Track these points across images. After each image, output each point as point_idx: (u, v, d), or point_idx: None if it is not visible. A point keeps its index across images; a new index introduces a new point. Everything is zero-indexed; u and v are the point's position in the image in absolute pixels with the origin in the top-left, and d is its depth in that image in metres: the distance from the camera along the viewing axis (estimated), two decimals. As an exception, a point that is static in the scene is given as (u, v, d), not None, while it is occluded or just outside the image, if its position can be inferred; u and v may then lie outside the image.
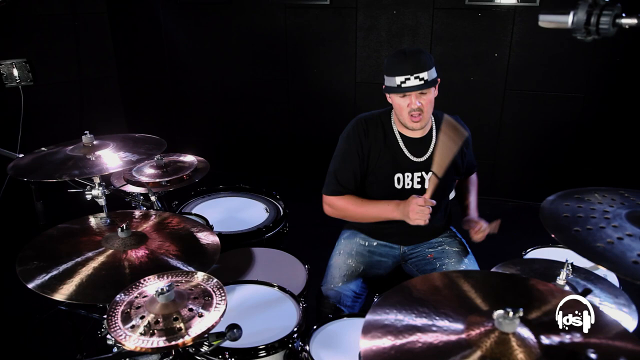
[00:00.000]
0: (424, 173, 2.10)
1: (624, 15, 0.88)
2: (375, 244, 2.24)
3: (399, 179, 2.10)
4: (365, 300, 2.15)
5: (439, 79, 2.01)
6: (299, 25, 4.19)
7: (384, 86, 2.02)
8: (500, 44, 3.76)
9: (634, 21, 0.87)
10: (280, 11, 4.17)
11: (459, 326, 1.00)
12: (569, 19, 0.91)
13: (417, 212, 1.89)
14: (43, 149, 1.95)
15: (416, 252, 2.25)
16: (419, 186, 2.11)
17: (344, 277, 2.10)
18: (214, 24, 4.37)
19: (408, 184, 2.11)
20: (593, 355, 0.94)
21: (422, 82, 1.92)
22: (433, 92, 2.00)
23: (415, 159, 2.10)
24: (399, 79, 1.93)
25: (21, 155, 1.97)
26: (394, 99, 2.01)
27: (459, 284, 1.15)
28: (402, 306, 1.06)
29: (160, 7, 4.45)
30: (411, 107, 1.96)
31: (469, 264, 2.16)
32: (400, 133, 2.11)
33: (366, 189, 2.16)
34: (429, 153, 2.10)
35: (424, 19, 3.85)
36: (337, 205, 2.14)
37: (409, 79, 1.92)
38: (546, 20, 0.97)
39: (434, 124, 2.13)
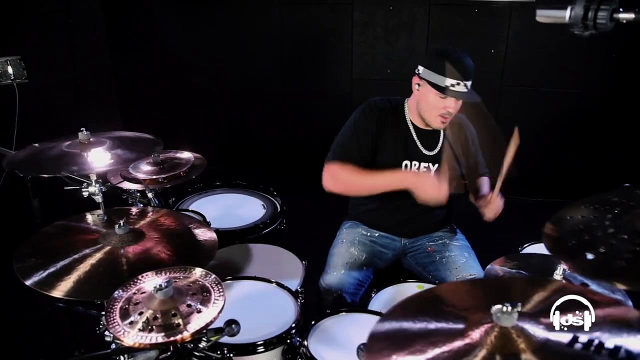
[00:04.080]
0: (430, 164, 2.12)
1: (621, 9, 0.88)
2: (377, 234, 2.26)
3: (406, 165, 2.12)
4: (366, 292, 2.13)
5: None
6: (295, 21, 4.18)
7: (421, 78, 1.97)
8: (497, 40, 3.76)
9: (631, 16, 0.87)
10: (276, 8, 4.16)
11: (460, 326, 1.00)
12: (566, 14, 0.92)
13: (433, 188, 1.86)
14: (35, 144, 1.92)
15: (417, 245, 2.27)
16: None
17: (346, 265, 2.10)
18: (210, 20, 4.35)
19: None
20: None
21: (467, 90, 1.91)
22: None
23: (425, 152, 2.12)
24: (449, 81, 1.88)
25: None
26: (428, 95, 1.96)
27: (455, 292, 1.15)
28: (404, 318, 1.05)
29: (156, 4, 4.43)
30: (447, 109, 1.95)
31: (469, 257, 2.16)
32: (413, 123, 2.12)
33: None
34: (438, 147, 2.12)
35: (420, 15, 3.85)
36: (340, 173, 2.01)
37: (459, 84, 1.88)
38: (544, 15, 0.97)
39: None
